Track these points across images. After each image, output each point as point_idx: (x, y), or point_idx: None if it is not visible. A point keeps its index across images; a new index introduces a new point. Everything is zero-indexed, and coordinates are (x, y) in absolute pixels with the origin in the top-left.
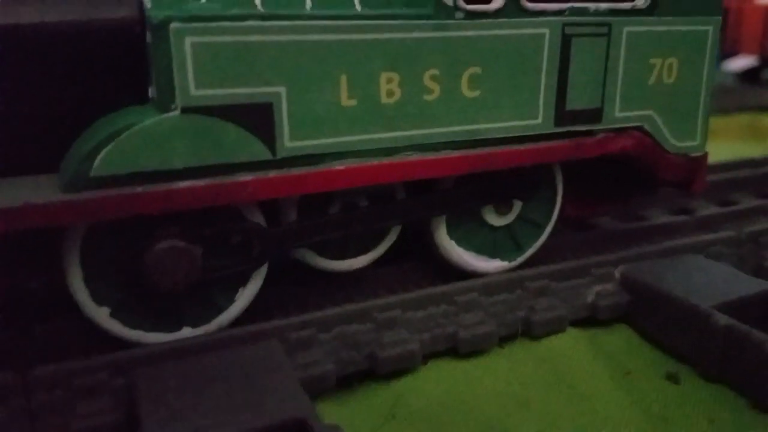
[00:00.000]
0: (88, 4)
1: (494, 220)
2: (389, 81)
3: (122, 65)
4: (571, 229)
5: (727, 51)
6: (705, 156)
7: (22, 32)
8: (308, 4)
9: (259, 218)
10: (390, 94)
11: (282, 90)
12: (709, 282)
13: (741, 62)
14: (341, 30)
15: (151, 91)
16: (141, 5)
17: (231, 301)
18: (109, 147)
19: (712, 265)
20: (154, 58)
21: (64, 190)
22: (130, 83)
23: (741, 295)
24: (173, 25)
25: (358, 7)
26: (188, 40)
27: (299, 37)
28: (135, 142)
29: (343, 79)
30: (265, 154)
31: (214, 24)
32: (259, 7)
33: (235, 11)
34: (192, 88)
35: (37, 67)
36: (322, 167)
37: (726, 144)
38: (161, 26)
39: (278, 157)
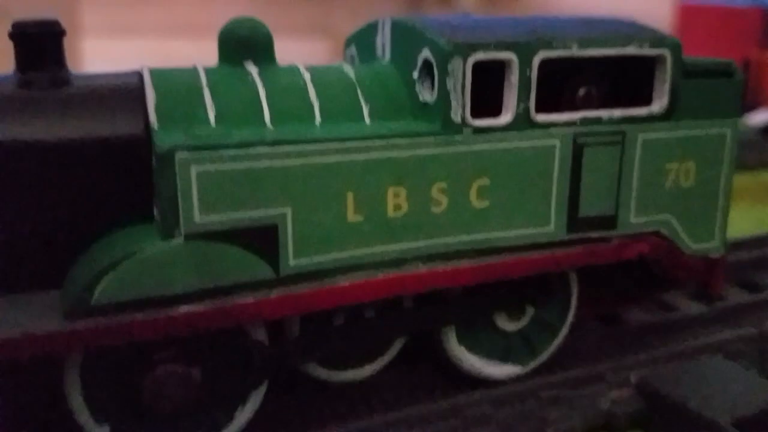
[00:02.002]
0: (93, 119)
1: (506, 325)
2: (396, 195)
3: (127, 180)
4: (590, 322)
5: (749, 104)
6: (724, 257)
7: (23, 148)
8: (318, 117)
9: (261, 335)
10: (397, 207)
11: (287, 211)
12: (729, 391)
13: (763, 116)
14: (349, 151)
15: (156, 215)
16: (147, 122)
17: (230, 418)
18: (111, 275)
19: (731, 369)
20: (159, 185)
21: (66, 316)
22: (134, 199)
23: (762, 408)
24: (179, 155)
25: (367, 119)
26: (194, 169)
27: (306, 161)
28: (137, 270)
29: (350, 196)
30: (268, 274)
31: (221, 152)
32: (269, 124)
33: (243, 135)
34: (196, 215)
35: (42, 182)
36: (326, 284)
37: (748, 208)
38: (167, 156)
39: (282, 275)
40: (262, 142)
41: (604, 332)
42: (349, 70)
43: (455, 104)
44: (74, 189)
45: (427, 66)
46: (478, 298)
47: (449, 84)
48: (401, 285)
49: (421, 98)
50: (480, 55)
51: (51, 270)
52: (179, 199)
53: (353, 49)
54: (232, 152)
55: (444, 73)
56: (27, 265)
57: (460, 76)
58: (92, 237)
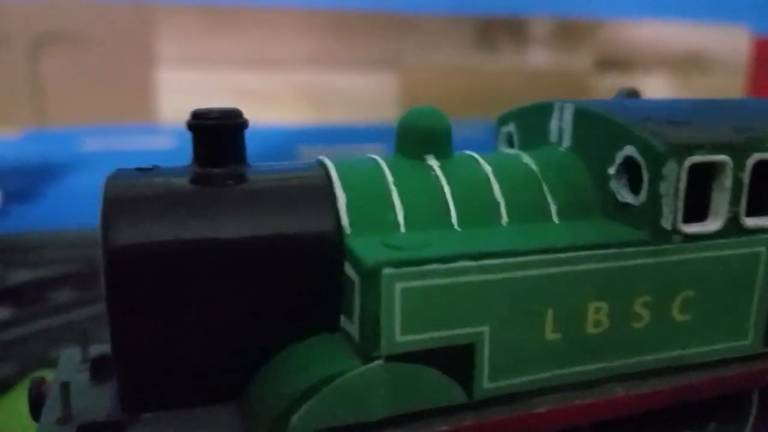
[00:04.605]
0: (277, 217)
1: None
2: (597, 311)
3: (311, 287)
4: None
5: None
6: None
7: (196, 249)
8: (504, 217)
9: None
10: (597, 324)
11: (486, 329)
12: None
13: None
14: (552, 263)
15: (350, 328)
16: (337, 224)
17: None
18: (310, 403)
19: None
20: (362, 302)
21: None
22: (317, 307)
23: None
24: (386, 271)
25: (555, 219)
26: (399, 286)
27: (508, 275)
28: (335, 397)
29: (549, 312)
30: (460, 398)
31: (425, 268)
32: (456, 226)
33: (444, 247)
34: (398, 334)
35: (217, 285)
36: (521, 410)
37: None
38: (373, 272)
39: (474, 399)
40: (466, 256)
41: None
42: (529, 161)
43: (666, 210)
44: (253, 293)
45: (629, 164)
46: (664, 414)
47: (662, 188)
48: (600, 410)
49: (618, 198)
50: (696, 158)
51: (224, 383)
52: (381, 318)
53: (511, 128)
54: (437, 267)
55: (656, 175)
56: (199, 377)
57: (675, 179)
58: (269, 348)
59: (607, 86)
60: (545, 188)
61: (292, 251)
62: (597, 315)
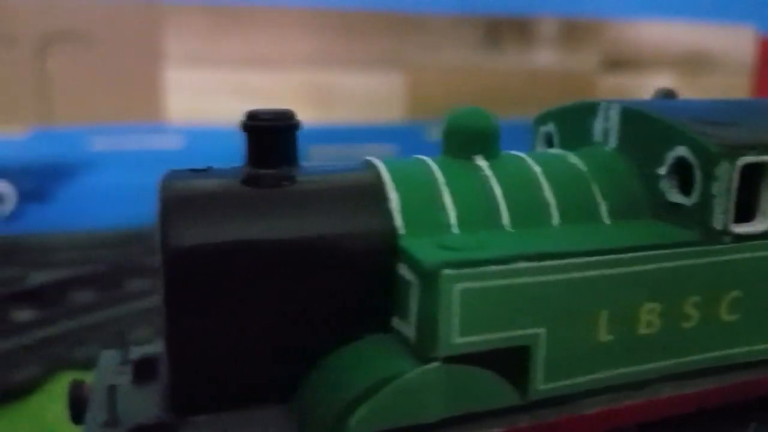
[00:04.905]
0: (329, 218)
1: None
2: (650, 312)
3: (363, 289)
4: None
5: None
6: None
7: (248, 249)
8: (555, 217)
9: None
10: (649, 325)
11: (542, 331)
12: None
13: None
14: (608, 265)
15: (404, 329)
16: (391, 225)
17: None
18: (368, 404)
19: None
20: (420, 304)
21: None
22: (368, 308)
23: None
24: (445, 272)
25: (606, 219)
26: (458, 287)
27: (564, 276)
28: (393, 398)
29: (604, 314)
30: (514, 399)
31: (484, 269)
32: (508, 226)
33: (501, 248)
34: (456, 336)
35: (268, 285)
36: (573, 411)
37: None
38: (432, 273)
39: (528, 401)
40: (525, 257)
41: None
42: (577, 161)
43: (718, 210)
44: (306, 294)
45: (680, 165)
46: (707, 418)
47: (714, 188)
48: (648, 411)
49: (668, 198)
50: (748, 159)
51: (274, 384)
52: (440, 320)
53: (550, 128)
54: (496, 269)
55: (709, 176)
56: (249, 378)
57: (727, 180)
58: (320, 348)
59: (611, 86)
60: (595, 188)
61: (346, 252)
62: (649, 316)
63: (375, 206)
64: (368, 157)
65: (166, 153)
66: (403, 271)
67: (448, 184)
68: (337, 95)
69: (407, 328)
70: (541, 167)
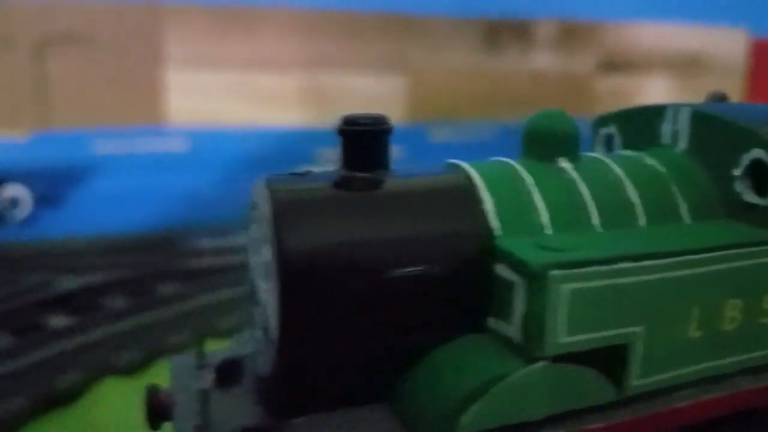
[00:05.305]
0: (423, 219)
1: None
2: (733, 308)
3: (459, 289)
4: None
5: None
6: None
7: (345, 249)
8: (641, 218)
9: None
10: (732, 320)
11: (639, 329)
12: None
13: None
14: (699, 263)
15: (504, 329)
16: (486, 227)
17: None
18: (479, 403)
19: None
20: (526, 304)
21: None
22: (462, 308)
23: None
24: (553, 273)
25: (687, 219)
26: (565, 287)
27: (661, 275)
28: (501, 397)
29: (695, 311)
30: (611, 395)
31: (589, 270)
32: (598, 227)
33: (604, 249)
34: (562, 336)
35: (382, 285)
36: (664, 405)
37: None
38: (541, 274)
39: (623, 396)
40: (627, 257)
41: None
42: (654, 162)
43: None
44: (406, 295)
45: (756, 167)
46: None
47: None
48: (731, 403)
49: (744, 198)
50: None
51: (373, 384)
52: (547, 320)
53: (612, 130)
54: (601, 269)
55: None
56: (351, 379)
57: None
58: (418, 349)
59: (608, 87)
60: (674, 189)
61: (444, 253)
62: (732, 312)
63: (470, 208)
64: (451, 160)
65: (171, 156)
66: (503, 271)
67: (537, 185)
68: (339, 96)
69: (509, 328)
70: (622, 169)
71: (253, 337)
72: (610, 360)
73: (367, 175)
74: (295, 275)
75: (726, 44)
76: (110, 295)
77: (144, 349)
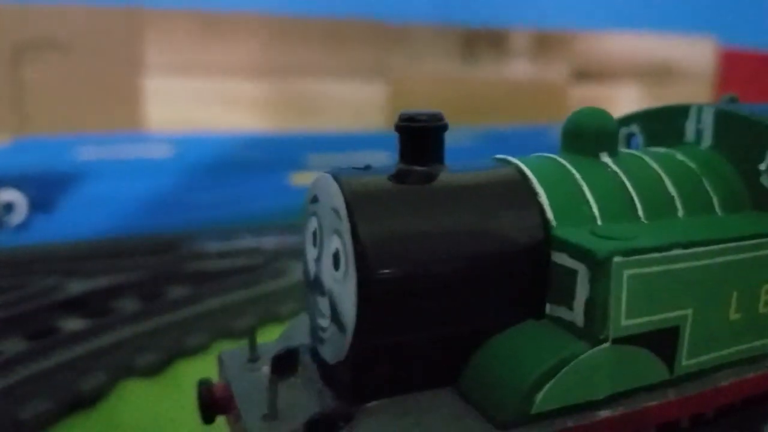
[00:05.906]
0: (483, 211)
1: None
2: (767, 292)
3: (519, 277)
4: None
5: None
6: None
7: (409, 241)
8: (680, 209)
9: None
10: (766, 304)
11: (689, 312)
12: None
13: None
14: (740, 250)
15: (565, 314)
16: (543, 219)
17: None
18: (552, 383)
19: None
20: (590, 290)
21: (502, 426)
22: (521, 295)
23: None
24: (616, 260)
25: (719, 211)
26: (626, 273)
27: (708, 261)
28: (570, 377)
29: (734, 295)
30: (664, 375)
31: (647, 256)
32: (643, 218)
33: (657, 237)
34: (623, 319)
35: (449, 273)
36: (709, 384)
37: None
38: (605, 261)
39: (674, 376)
40: (679, 245)
41: None
42: (684, 158)
43: None
44: (470, 282)
45: None
46: None
47: None
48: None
49: None
50: None
51: (440, 368)
52: (610, 304)
53: (634, 129)
54: (657, 255)
55: None
56: (420, 364)
57: None
58: (481, 333)
59: (582, 95)
60: (706, 183)
61: (507, 242)
62: (767, 296)
63: (527, 199)
64: (499, 156)
65: (159, 163)
66: (562, 259)
67: (585, 179)
68: (320, 103)
69: (569, 313)
70: (658, 164)
71: (312, 326)
72: (662, 342)
73: (425, 168)
74: (372, 264)
75: (695, 53)
76: (123, 297)
77: (165, 351)
